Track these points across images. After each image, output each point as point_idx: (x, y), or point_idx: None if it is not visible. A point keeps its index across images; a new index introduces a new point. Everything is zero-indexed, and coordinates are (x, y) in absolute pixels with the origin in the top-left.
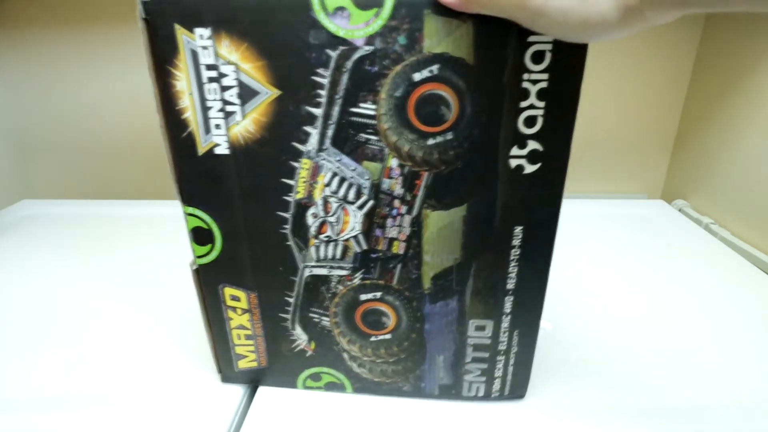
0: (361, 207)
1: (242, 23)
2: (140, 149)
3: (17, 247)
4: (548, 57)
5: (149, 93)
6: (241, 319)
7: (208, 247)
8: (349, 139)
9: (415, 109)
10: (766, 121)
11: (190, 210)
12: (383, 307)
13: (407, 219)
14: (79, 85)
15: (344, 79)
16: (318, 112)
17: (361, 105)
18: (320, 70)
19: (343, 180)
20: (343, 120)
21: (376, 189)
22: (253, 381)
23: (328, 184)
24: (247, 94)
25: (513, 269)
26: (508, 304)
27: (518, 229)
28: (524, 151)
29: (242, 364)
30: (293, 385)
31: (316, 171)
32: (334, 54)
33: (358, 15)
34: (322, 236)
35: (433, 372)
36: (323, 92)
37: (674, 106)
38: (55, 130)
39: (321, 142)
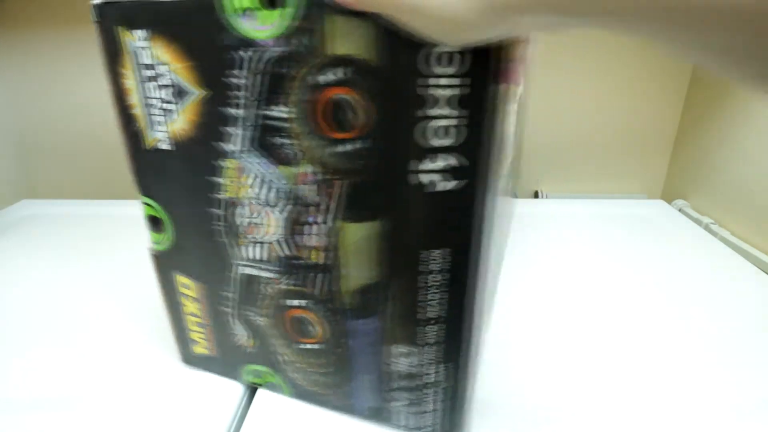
0: (281, 211)
1: (170, 25)
2: None
3: (17, 247)
4: (457, 60)
5: None
6: (192, 307)
7: (162, 235)
8: (266, 142)
9: (324, 113)
10: (765, 121)
11: (145, 200)
12: (309, 316)
13: (324, 228)
14: (79, 85)
15: (258, 81)
16: (238, 113)
17: (275, 108)
18: (236, 72)
19: (263, 183)
20: (260, 122)
21: (294, 194)
22: (208, 368)
23: (251, 186)
24: (180, 93)
25: (434, 296)
26: (431, 334)
27: (436, 253)
28: (436, 166)
29: (196, 350)
30: (239, 379)
31: (240, 172)
32: (246, 56)
33: (264, 16)
34: (249, 236)
35: (360, 391)
36: (240, 94)
37: (674, 106)
38: (55, 130)
39: (243, 143)
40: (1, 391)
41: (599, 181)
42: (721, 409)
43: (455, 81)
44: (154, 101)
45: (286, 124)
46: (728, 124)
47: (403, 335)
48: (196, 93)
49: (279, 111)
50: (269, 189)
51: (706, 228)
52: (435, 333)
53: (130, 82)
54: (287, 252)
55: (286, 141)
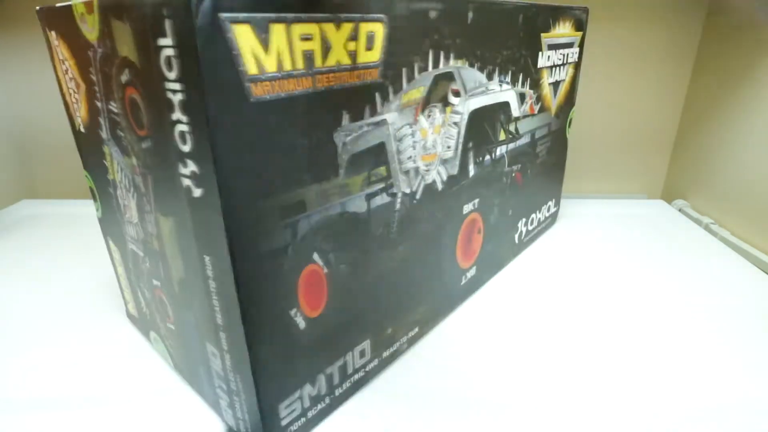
0: (133, 197)
1: (59, 26)
2: None
3: (17, 247)
4: (176, 65)
5: None
6: (120, 270)
7: (97, 204)
8: (115, 133)
9: (130, 111)
10: (765, 121)
11: (86, 173)
12: (164, 297)
13: (151, 217)
14: None
15: (99, 78)
16: (99, 105)
17: (112, 103)
18: (91, 69)
19: (122, 170)
20: (108, 115)
21: (134, 183)
22: (136, 327)
23: (117, 171)
24: (77, 84)
25: (216, 302)
26: (224, 341)
27: (207, 260)
28: (187, 171)
29: (129, 308)
30: (151, 343)
31: (111, 158)
32: (91, 55)
33: (89, 20)
34: (126, 216)
35: (202, 384)
36: (96, 88)
37: (674, 106)
38: (55, 130)
39: (106, 133)
40: (1, 391)
41: (599, 181)
42: (720, 409)
43: (178, 86)
44: (70, 90)
45: (119, 119)
46: (728, 124)
47: (210, 336)
48: (82, 85)
49: (113, 106)
50: (125, 176)
51: (706, 228)
52: (226, 340)
53: (60, 73)
54: (141, 235)
55: (121, 134)
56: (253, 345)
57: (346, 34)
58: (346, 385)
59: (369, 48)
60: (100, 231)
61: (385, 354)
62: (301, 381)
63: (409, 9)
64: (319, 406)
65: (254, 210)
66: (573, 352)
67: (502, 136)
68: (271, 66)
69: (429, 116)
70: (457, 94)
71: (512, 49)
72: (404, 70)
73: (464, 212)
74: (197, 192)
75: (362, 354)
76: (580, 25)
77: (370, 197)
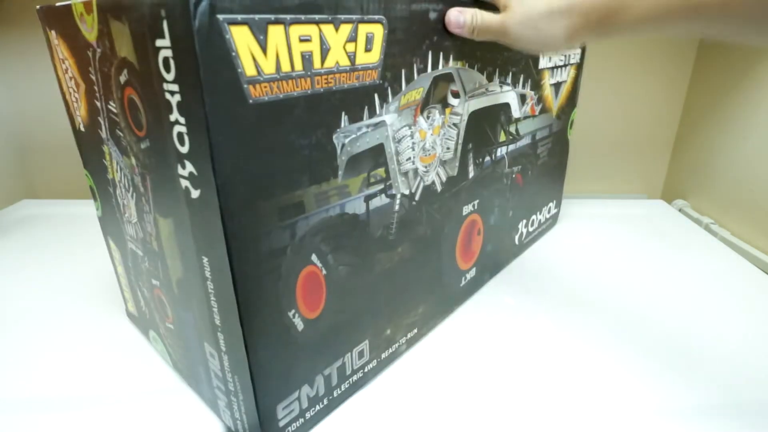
0: (132, 197)
1: (59, 26)
2: None
3: (17, 247)
4: (174, 66)
5: None
6: (119, 269)
7: (97, 203)
8: (114, 133)
9: (129, 112)
10: (765, 121)
11: (86, 172)
12: (165, 298)
13: (150, 218)
14: None
15: (98, 77)
16: (99, 105)
17: (111, 103)
18: (90, 69)
19: (121, 169)
20: (107, 115)
21: (133, 183)
22: (136, 325)
23: (117, 171)
24: (76, 84)
25: (214, 303)
26: (222, 342)
27: (205, 260)
28: (185, 172)
29: (129, 307)
30: (150, 341)
31: (111, 157)
32: (90, 55)
33: (88, 20)
34: (125, 216)
35: (200, 382)
36: (96, 88)
37: (674, 106)
38: (55, 130)
39: (106, 132)
40: (1, 391)
41: (599, 181)
42: (720, 409)
43: (175, 87)
44: (69, 89)
45: (117, 119)
46: (728, 124)
47: (209, 337)
48: (82, 84)
49: (112, 106)
50: (124, 176)
51: (706, 228)
52: (224, 342)
53: (60, 72)
54: (140, 235)
55: (120, 134)
56: (251, 346)
57: (345, 36)
58: (345, 386)
59: (368, 49)
60: (100, 231)
61: (384, 355)
62: (299, 382)
63: (409, 10)
64: (318, 407)
65: (253, 211)
66: (573, 353)
67: (502, 138)
68: (269, 67)
69: (428, 117)
70: (456, 95)
71: (513, 49)
72: (403, 71)
73: (464, 213)
74: (195, 193)
75: (361, 355)
76: None
77: (369, 198)
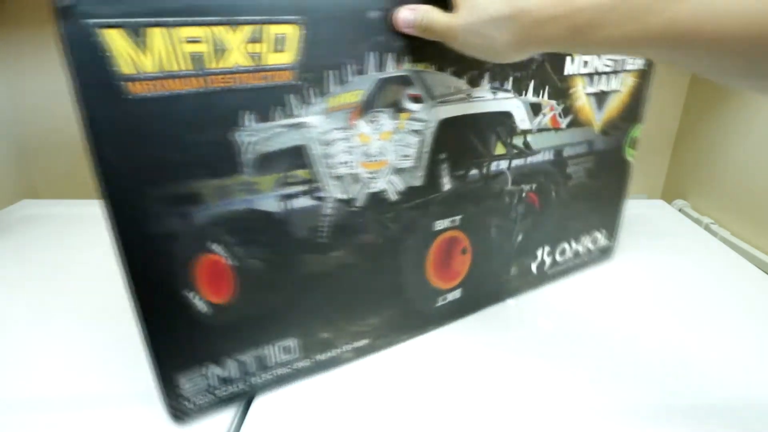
0: None
1: None
2: None
3: (17, 247)
4: (66, 64)
5: None
6: None
7: None
8: None
9: None
10: (765, 121)
11: None
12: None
13: None
14: None
15: None
16: None
17: None
18: None
19: None
20: None
21: None
22: None
23: None
24: None
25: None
26: (135, 311)
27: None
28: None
29: None
30: None
31: None
32: None
33: None
34: None
35: None
36: None
37: (674, 106)
38: (55, 130)
39: None
40: (1, 391)
41: None
42: (720, 409)
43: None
44: None
45: None
46: (728, 124)
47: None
48: None
49: None
50: None
51: (706, 228)
52: (134, 310)
53: None
54: None
55: None
56: (146, 316)
57: (245, 36)
58: (266, 376)
59: (279, 50)
60: (100, 231)
61: (321, 357)
62: (204, 359)
63: (337, 10)
64: (231, 389)
65: (139, 196)
66: (569, 350)
67: (499, 150)
68: (149, 66)
69: (372, 122)
70: (417, 99)
71: None
72: (330, 72)
73: (436, 228)
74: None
75: (287, 350)
76: None
77: (286, 198)
